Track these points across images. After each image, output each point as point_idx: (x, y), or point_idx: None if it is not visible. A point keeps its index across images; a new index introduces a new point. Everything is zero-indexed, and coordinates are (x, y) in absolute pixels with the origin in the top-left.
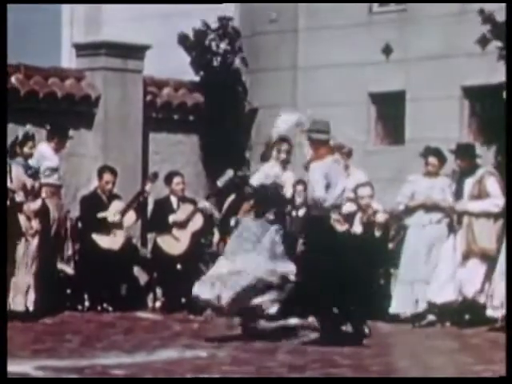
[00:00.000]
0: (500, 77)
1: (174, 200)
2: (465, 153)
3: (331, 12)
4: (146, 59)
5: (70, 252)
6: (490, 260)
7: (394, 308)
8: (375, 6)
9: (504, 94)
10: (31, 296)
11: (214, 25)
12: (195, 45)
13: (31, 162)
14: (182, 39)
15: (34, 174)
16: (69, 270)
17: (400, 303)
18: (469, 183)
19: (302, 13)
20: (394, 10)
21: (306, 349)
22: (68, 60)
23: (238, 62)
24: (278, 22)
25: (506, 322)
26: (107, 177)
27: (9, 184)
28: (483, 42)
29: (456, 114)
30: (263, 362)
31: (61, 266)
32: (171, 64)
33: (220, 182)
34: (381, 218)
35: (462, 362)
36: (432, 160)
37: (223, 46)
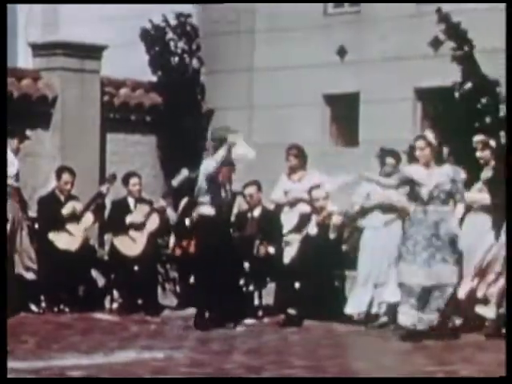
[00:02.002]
0: (452, 78)
1: (131, 201)
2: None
3: (287, 14)
4: (103, 60)
5: (32, 256)
6: None
7: (350, 309)
8: (330, 8)
9: (456, 95)
10: None
11: (172, 21)
12: (155, 40)
13: None
14: (144, 35)
15: None
16: (28, 275)
17: (356, 304)
18: None
19: (260, 14)
20: (348, 11)
21: (262, 350)
22: (24, 60)
23: (195, 62)
24: (235, 24)
25: (506, 322)
26: (66, 177)
27: None
28: (436, 43)
29: (409, 116)
30: (220, 364)
31: (19, 270)
32: (128, 65)
33: (175, 182)
34: (336, 219)
35: (414, 362)
36: (389, 161)
37: (181, 45)
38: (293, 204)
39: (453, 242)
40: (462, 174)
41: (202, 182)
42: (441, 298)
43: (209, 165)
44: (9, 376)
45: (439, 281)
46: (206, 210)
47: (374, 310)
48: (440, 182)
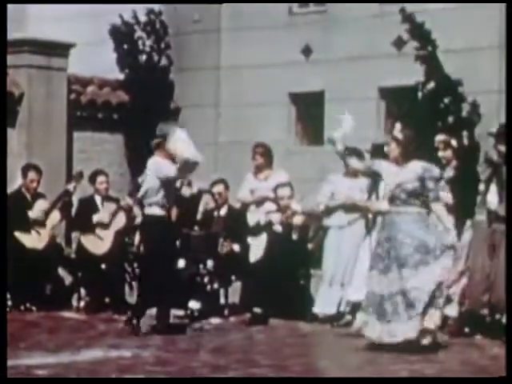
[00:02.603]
0: (416, 78)
1: (98, 199)
2: (380, 153)
3: (253, 13)
4: (70, 57)
5: None
6: None
7: (318, 308)
8: (295, 7)
9: (419, 95)
10: None
11: (142, 18)
12: (124, 37)
13: None
14: (113, 31)
15: None
16: None
17: (324, 304)
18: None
19: (225, 14)
20: (314, 10)
21: (228, 349)
22: None
23: (163, 60)
24: (201, 22)
25: (506, 322)
26: (32, 175)
27: None
28: (399, 43)
29: (373, 115)
30: (186, 362)
31: None
32: (95, 63)
33: (141, 180)
34: (298, 219)
35: (378, 361)
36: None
37: (149, 43)
38: (259, 203)
39: (416, 244)
40: (435, 172)
41: (153, 183)
42: (402, 307)
43: (170, 169)
44: None
45: (392, 288)
46: (155, 210)
47: (339, 309)
48: (404, 180)
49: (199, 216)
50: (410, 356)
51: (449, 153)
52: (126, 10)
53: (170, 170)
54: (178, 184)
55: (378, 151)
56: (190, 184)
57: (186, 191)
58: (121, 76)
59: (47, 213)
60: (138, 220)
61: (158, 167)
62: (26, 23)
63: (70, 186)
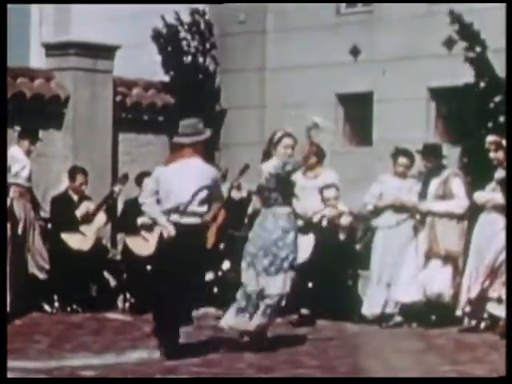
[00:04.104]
0: (466, 78)
1: None
2: (431, 153)
3: (299, 13)
4: (116, 59)
5: (45, 255)
6: (453, 261)
7: (365, 309)
8: (343, 7)
9: (469, 95)
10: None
11: (186, 19)
12: (168, 40)
13: None
14: (156, 36)
15: None
16: (41, 275)
17: (371, 304)
18: (434, 184)
19: (271, 14)
20: (361, 11)
21: (274, 350)
22: (37, 60)
23: (208, 61)
24: (246, 24)
25: (506, 322)
26: (80, 178)
27: None
28: (449, 43)
29: (423, 115)
30: (232, 363)
31: (32, 270)
32: (141, 64)
33: None
34: (345, 220)
35: (427, 362)
36: (402, 160)
37: (194, 43)
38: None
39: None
40: (289, 166)
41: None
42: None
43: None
44: (20, 376)
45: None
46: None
47: (388, 310)
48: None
49: (246, 219)
50: (459, 357)
51: (500, 154)
52: (168, 11)
53: (215, 173)
54: (227, 186)
55: (429, 151)
56: (239, 187)
57: (236, 195)
58: (166, 78)
59: (93, 214)
60: None
61: (203, 172)
62: (71, 25)
63: (116, 188)
